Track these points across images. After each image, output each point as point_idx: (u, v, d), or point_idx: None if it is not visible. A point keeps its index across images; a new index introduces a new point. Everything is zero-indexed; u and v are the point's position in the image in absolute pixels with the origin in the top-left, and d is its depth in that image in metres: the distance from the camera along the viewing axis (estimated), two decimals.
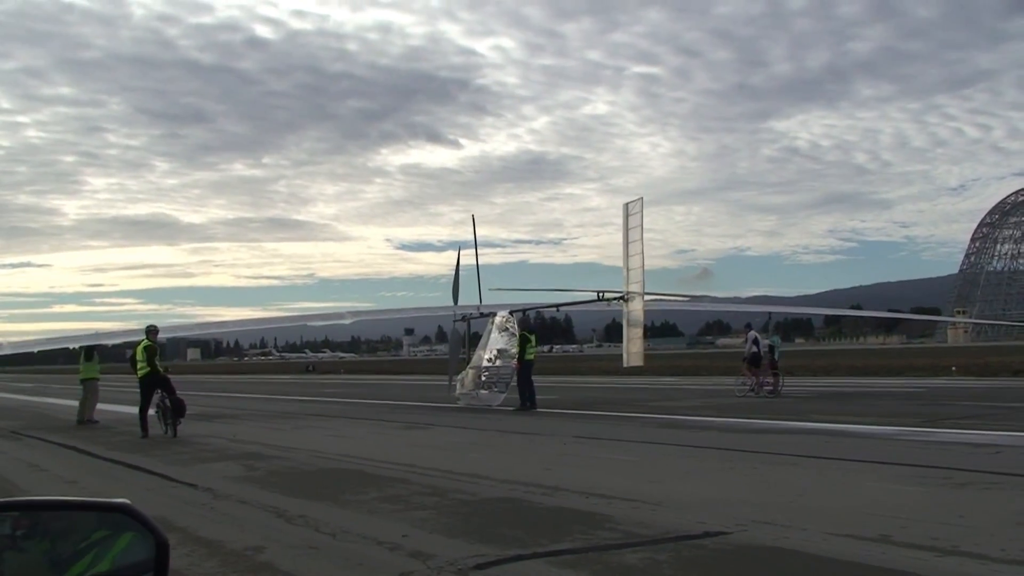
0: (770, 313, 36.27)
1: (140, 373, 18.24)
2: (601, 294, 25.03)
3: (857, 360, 53.30)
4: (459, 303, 27.25)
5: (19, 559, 1.87)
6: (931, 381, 31.69)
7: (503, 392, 23.23)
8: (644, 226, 23.07)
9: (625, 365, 25.31)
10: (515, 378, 22.72)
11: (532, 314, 26.17)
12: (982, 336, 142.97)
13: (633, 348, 24.32)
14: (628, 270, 23.53)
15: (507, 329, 23.85)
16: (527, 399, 22.10)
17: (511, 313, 24.66)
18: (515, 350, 22.86)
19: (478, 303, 26.78)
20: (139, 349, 18.49)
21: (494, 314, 24.97)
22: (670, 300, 32.94)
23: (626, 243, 23.51)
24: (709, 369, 45.38)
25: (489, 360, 23.88)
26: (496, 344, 23.84)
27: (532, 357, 23.06)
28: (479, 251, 27.98)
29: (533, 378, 22.95)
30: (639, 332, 24.29)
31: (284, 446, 15.06)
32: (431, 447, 14.57)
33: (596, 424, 17.87)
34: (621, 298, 23.86)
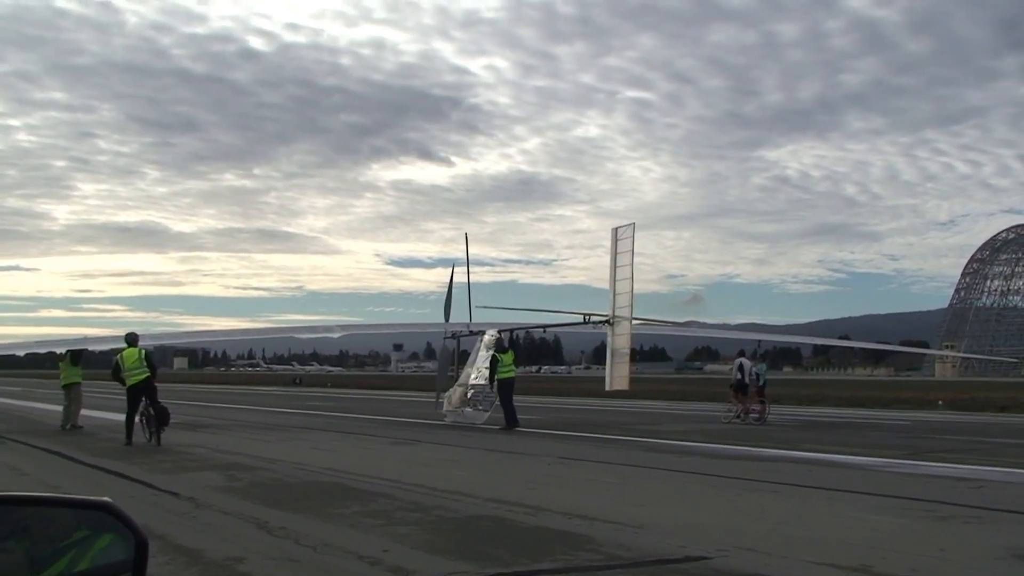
0: (759, 341, 36.18)
1: (138, 378, 17.79)
2: (587, 317, 25.04)
3: (844, 391, 53.23)
4: (449, 320, 27.24)
5: None
6: (917, 414, 31.71)
7: (487, 411, 23.15)
8: (635, 250, 23.16)
9: (608, 389, 25.26)
10: (499, 397, 22.63)
11: (521, 334, 26.00)
12: (970, 371, 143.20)
13: (618, 372, 24.28)
14: (615, 294, 23.56)
15: (494, 348, 23.80)
16: (508, 418, 22.01)
17: (500, 332, 24.64)
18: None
19: (468, 321, 26.78)
20: (132, 354, 17.96)
21: (483, 332, 24.98)
22: (657, 324, 32.98)
23: (613, 267, 23.56)
24: (696, 395, 45.30)
25: (475, 378, 23.87)
26: (483, 363, 23.81)
27: (511, 375, 22.61)
28: (470, 269, 28.05)
29: (514, 397, 22.71)
30: (625, 356, 24.27)
31: (268, 457, 15.01)
32: (416, 463, 14.53)
33: (581, 446, 17.84)
34: (606, 321, 23.88)
